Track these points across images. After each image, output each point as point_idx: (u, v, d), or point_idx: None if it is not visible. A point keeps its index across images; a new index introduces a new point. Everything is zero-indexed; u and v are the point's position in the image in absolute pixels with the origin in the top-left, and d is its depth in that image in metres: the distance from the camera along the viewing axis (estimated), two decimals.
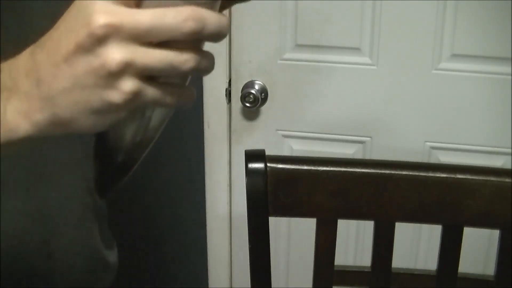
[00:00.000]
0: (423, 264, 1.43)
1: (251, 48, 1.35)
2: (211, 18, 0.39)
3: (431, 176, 0.81)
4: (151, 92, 0.40)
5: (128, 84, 0.38)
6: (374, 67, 1.32)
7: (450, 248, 0.83)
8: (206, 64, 0.41)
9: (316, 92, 1.36)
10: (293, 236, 1.50)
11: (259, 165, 0.80)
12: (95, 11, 0.37)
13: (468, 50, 1.26)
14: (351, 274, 0.88)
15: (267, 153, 0.83)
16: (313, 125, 1.39)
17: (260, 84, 1.37)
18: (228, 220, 1.51)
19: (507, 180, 0.79)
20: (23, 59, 0.41)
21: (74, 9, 0.39)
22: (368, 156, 1.38)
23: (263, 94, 1.37)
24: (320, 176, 0.81)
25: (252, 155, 0.77)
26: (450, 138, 1.34)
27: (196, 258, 1.57)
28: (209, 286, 1.58)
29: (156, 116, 0.53)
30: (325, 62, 1.33)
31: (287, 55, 1.34)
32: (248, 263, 0.85)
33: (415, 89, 1.31)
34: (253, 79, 1.37)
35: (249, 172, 0.80)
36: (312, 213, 0.83)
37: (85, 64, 0.38)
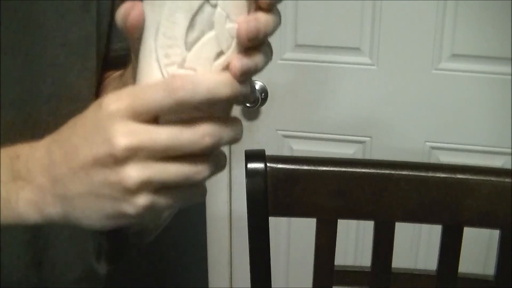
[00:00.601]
0: (423, 264, 1.43)
1: None
2: (226, 130, 0.40)
3: (431, 176, 0.81)
4: (164, 202, 0.41)
5: (143, 200, 0.39)
6: (374, 67, 1.32)
7: (450, 248, 0.83)
8: (222, 162, 0.43)
9: (316, 92, 1.36)
10: (293, 236, 1.50)
11: (259, 165, 0.80)
12: (117, 133, 0.38)
13: (468, 50, 1.26)
14: (351, 274, 0.88)
15: (267, 153, 0.83)
16: (313, 125, 1.39)
17: (260, 84, 1.37)
18: (228, 220, 1.51)
19: (507, 180, 0.79)
20: (40, 153, 0.42)
21: (94, 118, 0.39)
22: (368, 156, 1.38)
23: (263, 94, 1.37)
24: (320, 176, 0.81)
25: (252, 155, 0.77)
26: (450, 138, 1.34)
27: (196, 258, 1.57)
28: (209, 286, 1.58)
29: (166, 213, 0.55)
30: (325, 62, 1.33)
31: (287, 55, 1.34)
32: (248, 263, 0.85)
33: (415, 89, 1.31)
34: (253, 79, 1.37)
35: (249, 172, 0.80)
36: (312, 213, 0.83)
37: (102, 176, 0.39)
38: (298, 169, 0.80)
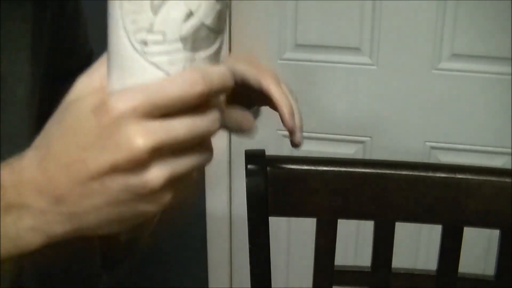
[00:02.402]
0: (423, 264, 1.43)
1: (251, 48, 1.35)
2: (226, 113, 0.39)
3: (431, 176, 0.81)
4: (182, 194, 0.40)
5: (167, 197, 0.38)
6: (374, 67, 1.32)
7: (450, 248, 0.83)
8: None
9: (316, 92, 1.36)
10: (293, 236, 1.50)
11: (259, 165, 0.80)
12: (135, 134, 0.35)
13: (468, 50, 1.26)
14: (351, 274, 0.88)
15: (267, 153, 0.83)
16: (313, 125, 1.39)
17: None
18: (228, 220, 1.50)
19: (507, 180, 0.79)
20: (29, 173, 0.38)
21: (98, 122, 0.36)
22: (368, 156, 1.38)
23: None
24: (320, 176, 0.81)
25: (252, 155, 0.77)
26: (450, 138, 1.34)
27: (196, 258, 1.57)
28: (209, 286, 1.58)
29: None
30: (325, 62, 1.33)
31: (287, 55, 1.34)
32: (248, 263, 0.85)
33: (415, 89, 1.31)
34: None
35: (249, 172, 0.80)
36: (312, 213, 0.83)
37: (122, 183, 0.36)
38: (298, 169, 0.80)
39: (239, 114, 0.57)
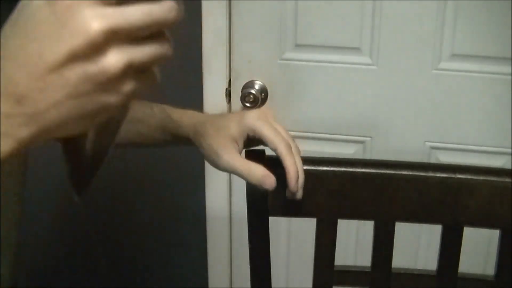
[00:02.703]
0: (423, 264, 1.43)
1: (251, 48, 1.35)
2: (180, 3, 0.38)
3: (431, 176, 0.81)
4: (143, 86, 0.39)
5: (127, 86, 0.37)
6: (374, 67, 1.32)
7: (450, 248, 0.83)
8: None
9: (316, 92, 1.36)
10: (293, 236, 1.50)
11: (259, 165, 0.80)
12: (90, 18, 0.35)
13: (468, 50, 1.26)
14: (351, 274, 0.88)
15: (267, 153, 0.83)
16: (313, 125, 1.39)
17: (260, 84, 1.37)
18: (228, 220, 1.50)
19: (507, 180, 0.79)
20: None
21: (51, 14, 0.36)
22: (368, 156, 1.38)
23: (263, 94, 1.37)
24: (320, 176, 0.81)
25: (252, 155, 0.77)
26: (450, 138, 1.34)
27: (196, 258, 1.57)
28: (209, 286, 1.58)
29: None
30: (325, 62, 1.33)
31: (287, 55, 1.34)
32: (248, 263, 0.85)
33: (415, 89, 1.31)
34: (253, 79, 1.37)
35: None
36: (312, 213, 0.83)
37: (80, 71, 0.36)
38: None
39: (261, 171, 0.68)
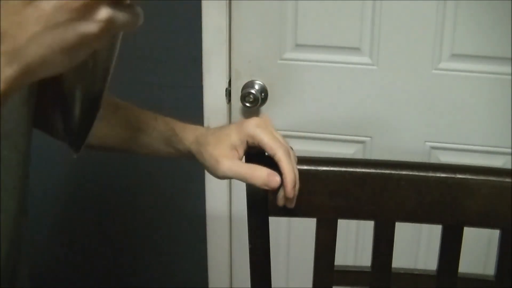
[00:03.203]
0: (423, 264, 1.43)
1: (251, 48, 1.35)
2: None
3: (431, 176, 0.81)
4: (121, 16, 0.39)
5: (103, 13, 0.38)
6: (374, 67, 1.32)
7: (450, 248, 0.83)
8: None
9: (316, 92, 1.36)
10: (293, 236, 1.50)
11: (259, 165, 0.80)
12: None
13: (468, 50, 1.26)
14: (351, 274, 0.88)
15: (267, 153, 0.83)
16: (313, 125, 1.39)
17: (260, 84, 1.37)
18: (228, 220, 1.50)
19: (507, 180, 0.79)
20: None
21: None
22: (368, 156, 1.38)
23: (263, 94, 1.37)
24: (320, 176, 0.81)
25: (252, 155, 0.77)
26: (450, 138, 1.34)
27: (196, 258, 1.57)
28: (209, 286, 1.58)
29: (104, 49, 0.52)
30: (325, 62, 1.33)
31: (287, 55, 1.34)
32: (248, 263, 0.85)
33: (415, 89, 1.31)
34: (253, 79, 1.37)
35: None
36: (312, 213, 0.83)
37: (55, 1, 0.36)
38: (298, 169, 0.80)
39: (264, 172, 0.69)
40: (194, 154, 0.76)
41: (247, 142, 0.73)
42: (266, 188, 0.70)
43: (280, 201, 0.75)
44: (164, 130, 0.78)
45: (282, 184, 0.72)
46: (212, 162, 0.73)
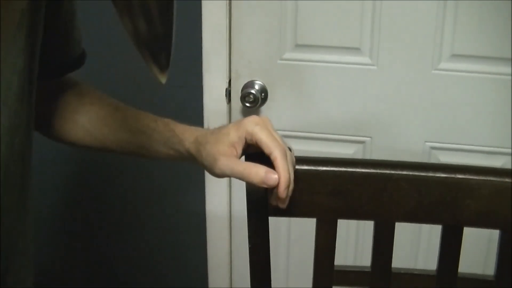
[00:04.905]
0: (423, 264, 1.43)
1: (251, 48, 1.35)
2: None
3: (431, 176, 0.80)
4: None
5: None
6: (374, 67, 1.32)
7: (450, 248, 0.83)
8: None
9: (316, 92, 1.36)
10: (293, 236, 1.50)
11: (259, 165, 0.80)
12: None
13: (468, 50, 1.26)
14: (351, 274, 0.88)
15: None
16: (313, 125, 1.39)
17: (260, 84, 1.37)
18: (228, 220, 1.50)
19: (507, 180, 0.79)
20: None
21: None
22: (368, 156, 1.38)
23: (263, 94, 1.37)
24: (320, 176, 0.81)
25: (252, 155, 0.77)
26: (450, 138, 1.34)
27: (196, 258, 1.57)
28: (209, 286, 1.58)
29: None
30: (325, 62, 1.33)
31: (287, 55, 1.34)
32: (248, 263, 0.85)
33: (415, 89, 1.31)
34: (253, 79, 1.37)
35: None
36: (312, 213, 0.83)
37: None
38: (298, 169, 0.80)
39: (262, 169, 0.69)
40: (193, 154, 0.76)
41: (246, 139, 0.73)
42: (264, 186, 0.69)
43: (273, 201, 0.74)
44: (163, 131, 0.78)
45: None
46: (210, 159, 0.73)
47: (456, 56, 1.27)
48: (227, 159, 0.71)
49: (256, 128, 0.72)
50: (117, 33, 1.06)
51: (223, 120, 1.40)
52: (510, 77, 1.26)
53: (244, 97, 1.35)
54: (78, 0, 0.74)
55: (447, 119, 1.32)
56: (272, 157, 0.71)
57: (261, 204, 0.82)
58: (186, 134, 0.77)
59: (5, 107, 0.57)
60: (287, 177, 0.70)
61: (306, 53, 1.33)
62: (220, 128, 0.76)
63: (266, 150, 0.71)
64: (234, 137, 0.72)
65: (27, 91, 0.60)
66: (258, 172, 0.69)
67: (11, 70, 0.57)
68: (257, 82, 1.37)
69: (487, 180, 0.79)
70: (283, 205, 0.73)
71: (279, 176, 0.70)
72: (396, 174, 0.81)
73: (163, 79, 0.55)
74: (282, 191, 0.70)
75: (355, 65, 1.32)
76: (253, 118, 0.73)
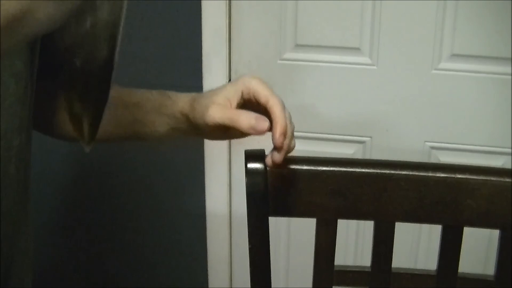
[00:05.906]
0: (423, 264, 1.43)
1: (251, 48, 1.35)
2: None
3: (431, 176, 0.80)
4: None
5: None
6: (374, 67, 1.32)
7: (450, 248, 0.83)
8: None
9: (316, 92, 1.36)
10: (293, 236, 1.50)
11: (259, 165, 0.80)
12: None
13: (468, 50, 1.26)
14: (351, 274, 0.88)
15: (267, 153, 0.83)
16: (313, 125, 1.39)
17: None
18: (228, 220, 1.50)
19: (507, 180, 0.79)
20: None
21: None
22: (368, 156, 1.38)
23: None
24: (320, 176, 0.81)
25: (251, 155, 0.77)
26: (450, 138, 1.34)
27: (196, 258, 1.57)
28: (209, 286, 1.58)
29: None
30: (325, 62, 1.33)
31: (287, 55, 1.34)
32: (248, 263, 0.85)
33: (415, 89, 1.31)
34: None
35: (248, 172, 0.80)
36: (312, 213, 0.83)
37: None
38: (298, 169, 0.80)
39: (252, 115, 0.64)
40: (186, 113, 0.72)
41: (242, 93, 0.70)
42: (252, 132, 0.65)
43: (269, 160, 0.71)
44: (157, 99, 0.76)
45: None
46: (202, 110, 0.70)
47: (456, 56, 1.27)
48: (218, 106, 0.68)
49: (253, 81, 0.70)
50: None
51: None
52: (510, 77, 1.26)
53: None
54: None
55: (447, 119, 1.32)
56: (268, 106, 0.67)
57: (261, 204, 0.82)
58: (181, 96, 0.75)
59: (3, 109, 0.57)
60: (283, 124, 0.67)
61: (306, 53, 1.33)
62: (217, 87, 0.74)
63: (263, 99, 0.68)
64: (230, 90, 0.70)
65: (25, 93, 0.60)
66: (247, 117, 0.66)
67: (8, 72, 0.57)
68: None
69: (487, 180, 0.79)
70: (278, 159, 0.70)
71: (275, 122, 0.66)
72: (396, 174, 0.81)
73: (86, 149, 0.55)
74: (278, 138, 0.66)
75: (355, 65, 1.32)
76: (251, 75, 0.72)
